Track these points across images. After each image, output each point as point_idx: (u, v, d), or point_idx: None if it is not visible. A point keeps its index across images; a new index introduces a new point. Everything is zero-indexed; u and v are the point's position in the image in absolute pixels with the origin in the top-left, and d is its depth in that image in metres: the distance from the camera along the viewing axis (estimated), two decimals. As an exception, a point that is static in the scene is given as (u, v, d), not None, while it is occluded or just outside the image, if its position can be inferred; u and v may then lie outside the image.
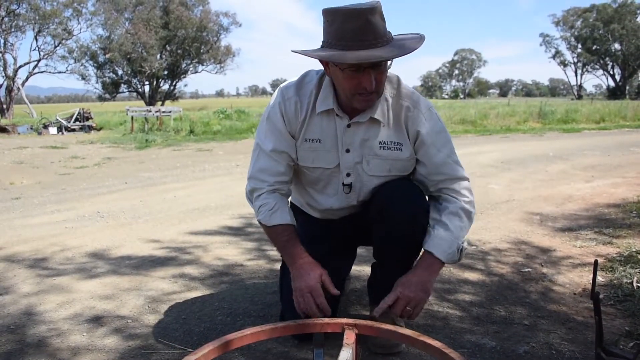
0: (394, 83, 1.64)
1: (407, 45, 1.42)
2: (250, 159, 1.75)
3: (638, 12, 57.32)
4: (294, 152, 1.66)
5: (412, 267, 1.61)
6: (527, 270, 2.55)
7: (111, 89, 42.44)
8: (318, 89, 1.62)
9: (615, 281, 2.34)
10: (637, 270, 2.46)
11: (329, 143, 1.63)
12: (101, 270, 2.62)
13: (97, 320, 2.01)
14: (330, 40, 1.42)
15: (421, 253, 1.63)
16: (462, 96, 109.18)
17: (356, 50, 1.37)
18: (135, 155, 9.16)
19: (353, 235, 1.87)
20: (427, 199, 1.69)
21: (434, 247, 1.57)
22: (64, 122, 16.01)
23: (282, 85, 1.68)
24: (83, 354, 1.75)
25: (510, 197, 4.47)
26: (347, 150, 1.62)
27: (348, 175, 1.66)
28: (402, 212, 1.60)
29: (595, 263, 1.61)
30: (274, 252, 2.81)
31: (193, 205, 4.41)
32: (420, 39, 1.47)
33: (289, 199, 1.80)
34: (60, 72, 38.76)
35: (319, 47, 1.47)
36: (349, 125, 1.60)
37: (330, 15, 1.40)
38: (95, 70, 40.98)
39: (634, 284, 2.29)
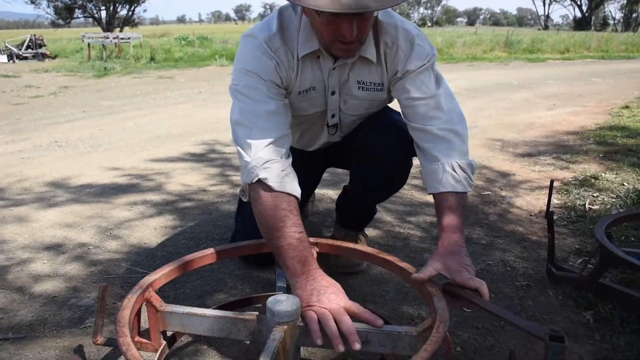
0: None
1: None
2: (232, 109, 1.37)
3: (608, -61, 56.57)
4: (289, 108, 1.41)
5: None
6: (486, 193, 2.62)
7: (65, 15, 40.12)
8: (299, 30, 1.36)
9: (569, 203, 2.43)
10: (590, 193, 2.56)
11: (321, 88, 1.46)
12: (61, 199, 2.57)
13: (57, 247, 1.99)
14: None
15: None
16: (429, 24, 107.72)
17: None
18: (93, 83, 8.81)
19: (325, 162, 1.85)
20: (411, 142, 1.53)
21: (432, 187, 1.34)
22: (15, 50, 15.17)
23: (259, 35, 1.35)
24: (44, 280, 1.73)
25: (473, 123, 4.52)
26: (333, 93, 1.48)
27: (333, 116, 1.56)
28: (383, 168, 1.54)
29: (551, 183, 1.66)
30: (237, 177, 2.80)
31: (155, 132, 4.31)
32: None
33: None
34: (7, -5, 36.35)
35: None
36: (334, 68, 1.42)
37: None
38: (46, -7, 38.58)
39: (587, 206, 2.38)
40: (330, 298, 1.10)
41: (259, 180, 1.23)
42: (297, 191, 1.27)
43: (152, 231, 2.14)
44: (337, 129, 1.60)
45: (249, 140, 1.28)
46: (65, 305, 1.58)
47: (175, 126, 4.59)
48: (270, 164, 1.25)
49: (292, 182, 1.27)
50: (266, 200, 1.23)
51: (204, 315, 1.12)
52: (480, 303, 1.10)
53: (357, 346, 1.02)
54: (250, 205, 1.40)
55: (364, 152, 1.59)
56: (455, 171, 1.32)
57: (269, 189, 1.23)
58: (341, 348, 1.02)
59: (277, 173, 1.24)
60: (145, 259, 1.88)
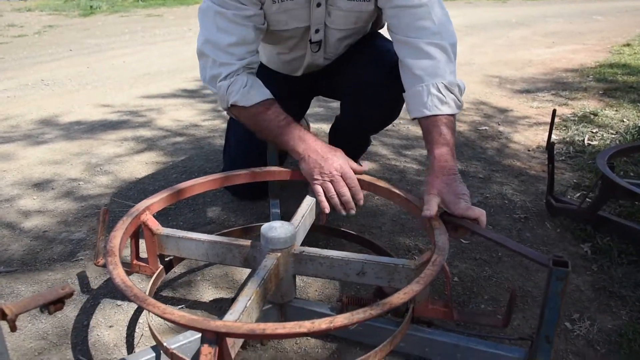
0: None
1: None
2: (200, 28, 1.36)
3: None
4: (262, 16, 1.34)
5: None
6: (484, 128, 2.57)
7: (47, -50, 38.50)
8: None
9: (568, 139, 2.40)
10: (589, 129, 2.52)
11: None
12: (49, 136, 2.51)
13: (47, 184, 1.94)
14: None
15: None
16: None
17: None
18: (79, 22, 8.52)
19: (313, 90, 1.78)
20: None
21: (416, 111, 1.27)
22: (-3, -13, 14.59)
23: None
24: (34, 216, 1.70)
25: (470, 60, 4.41)
26: (318, 4, 1.38)
27: (317, 31, 1.47)
28: (374, 100, 1.49)
29: (553, 113, 1.61)
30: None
31: (144, 70, 4.19)
32: None
33: None
34: None
35: None
36: None
37: None
38: None
39: (585, 142, 2.35)
40: (332, 166, 1.23)
41: (232, 105, 1.32)
42: (265, 94, 1.32)
43: (143, 166, 2.09)
44: (320, 46, 1.51)
45: (211, 72, 1.32)
46: (56, 240, 1.55)
47: (166, 63, 4.46)
48: (232, 87, 1.30)
49: (257, 91, 1.31)
50: (245, 116, 1.34)
51: (199, 240, 1.10)
52: (481, 232, 1.07)
53: (360, 202, 1.23)
54: (234, 142, 1.55)
55: (354, 82, 1.53)
56: (441, 92, 1.24)
57: (242, 107, 1.31)
58: (343, 212, 1.22)
59: (242, 92, 1.29)
60: (136, 193, 1.84)
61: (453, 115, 1.25)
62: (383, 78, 1.48)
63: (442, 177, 1.14)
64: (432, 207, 1.10)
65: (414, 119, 1.29)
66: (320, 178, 1.22)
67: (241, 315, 0.87)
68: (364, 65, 1.51)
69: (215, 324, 0.78)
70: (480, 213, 1.09)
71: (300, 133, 1.28)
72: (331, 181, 1.22)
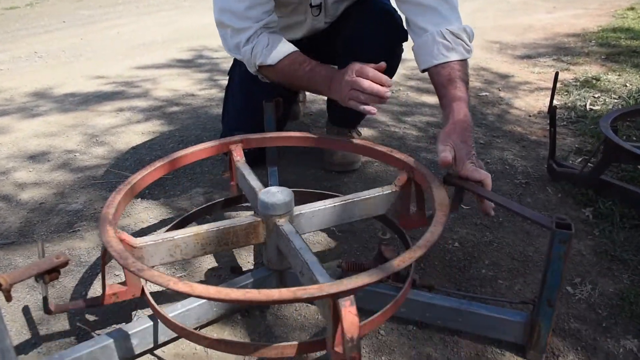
0: None
1: None
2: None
3: None
4: None
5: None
6: (484, 94, 2.53)
7: None
8: None
9: (569, 104, 2.36)
10: (591, 94, 2.48)
11: None
12: (44, 108, 2.47)
13: (42, 156, 1.92)
14: None
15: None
16: None
17: None
18: (71, -7, 8.38)
19: (312, 57, 1.75)
20: (403, 25, 1.46)
21: (424, 62, 1.27)
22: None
23: None
24: (31, 188, 1.68)
25: (470, 25, 4.34)
26: None
27: None
28: (370, 54, 1.41)
29: (556, 75, 1.57)
30: (225, 81, 2.69)
31: (139, 40, 4.12)
32: None
33: None
34: None
35: None
36: None
37: None
38: None
39: (587, 107, 2.31)
40: (350, 76, 1.16)
41: (260, 66, 1.33)
42: (288, 49, 1.32)
43: (139, 136, 2.07)
44: (320, 9, 1.49)
45: (232, 41, 1.34)
46: (53, 211, 1.54)
47: (160, 33, 4.39)
48: (255, 49, 1.31)
49: (280, 47, 1.31)
50: (275, 74, 1.35)
51: (249, 182, 1.13)
52: (485, 194, 1.05)
53: (389, 83, 1.15)
54: (233, 105, 1.58)
55: (350, 38, 1.51)
56: (446, 39, 1.23)
57: (270, 67, 1.32)
58: (385, 94, 1.13)
59: (265, 52, 1.30)
60: (133, 163, 1.82)
61: (463, 61, 1.24)
62: (376, 26, 1.47)
63: (459, 132, 1.12)
64: (448, 155, 1.07)
65: (424, 71, 1.28)
66: (347, 95, 1.17)
67: (157, 241, 0.93)
68: (357, 18, 1.51)
69: (108, 237, 0.89)
70: (485, 175, 1.07)
71: (327, 73, 1.27)
72: (353, 89, 1.15)
